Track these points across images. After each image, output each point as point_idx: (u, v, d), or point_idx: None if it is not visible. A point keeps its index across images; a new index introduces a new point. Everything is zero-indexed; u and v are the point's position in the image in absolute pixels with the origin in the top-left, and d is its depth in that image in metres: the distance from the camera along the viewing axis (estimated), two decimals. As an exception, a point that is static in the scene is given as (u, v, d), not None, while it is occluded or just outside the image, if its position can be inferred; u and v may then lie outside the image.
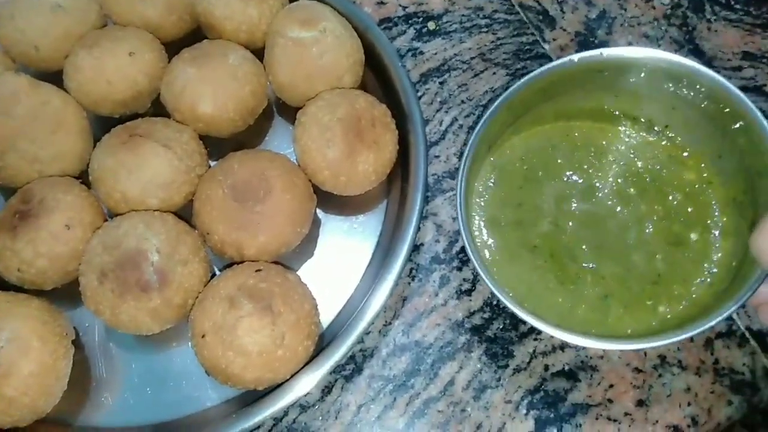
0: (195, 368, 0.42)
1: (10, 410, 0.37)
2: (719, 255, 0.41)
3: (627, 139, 0.45)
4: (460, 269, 0.48)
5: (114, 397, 0.43)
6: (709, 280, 0.40)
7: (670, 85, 0.41)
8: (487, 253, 0.42)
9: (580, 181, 0.44)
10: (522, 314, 0.37)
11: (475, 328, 0.45)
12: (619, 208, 0.43)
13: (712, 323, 0.35)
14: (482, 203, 0.44)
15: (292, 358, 0.39)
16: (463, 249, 0.48)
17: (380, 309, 0.42)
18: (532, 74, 0.41)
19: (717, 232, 0.41)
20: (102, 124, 0.47)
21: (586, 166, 0.44)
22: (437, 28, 0.57)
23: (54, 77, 0.47)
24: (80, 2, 0.50)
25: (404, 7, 0.58)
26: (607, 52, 0.40)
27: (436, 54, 0.55)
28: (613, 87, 0.43)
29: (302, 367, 0.40)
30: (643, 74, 0.41)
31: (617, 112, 0.45)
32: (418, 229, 0.44)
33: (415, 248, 0.48)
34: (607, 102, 0.44)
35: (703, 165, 0.43)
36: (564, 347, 0.45)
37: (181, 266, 0.40)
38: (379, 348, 0.45)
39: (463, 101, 0.53)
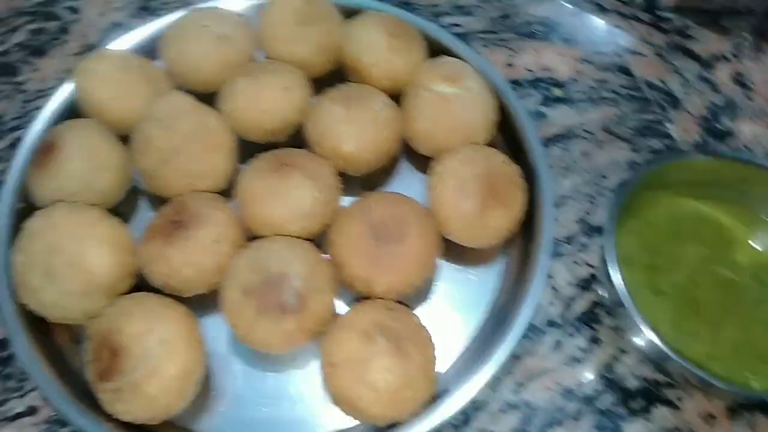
0: (310, 392, 0.44)
1: (148, 408, 0.39)
2: None
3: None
4: (572, 336, 0.48)
5: (230, 410, 0.44)
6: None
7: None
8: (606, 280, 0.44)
9: (726, 253, 0.46)
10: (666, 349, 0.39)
11: (586, 398, 0.45)
12: (757, 287, 0.45)
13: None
14: (620, 244, 0.46)
15: (417, 400, 0.40)
16: (577, 317, 0.48)
17: (500, 367, 0.42)
18: (689, 155, 0.46)
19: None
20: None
21: (732, 243, 0.47)
22: (563, 95, 0.59)
23: (204, 99, 0.51)
24: (241, 35, 0.54)
25: (531, 71, 0.60)
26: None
27: (560, 120, 0.57)
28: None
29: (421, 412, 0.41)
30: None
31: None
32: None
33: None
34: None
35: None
36: (676, 430, 0.44)
37: (317, 294, 0.42)
38: (489, 402, 0.45)
39: (585, 170, 0.55)
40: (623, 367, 0.46)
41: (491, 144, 0.52)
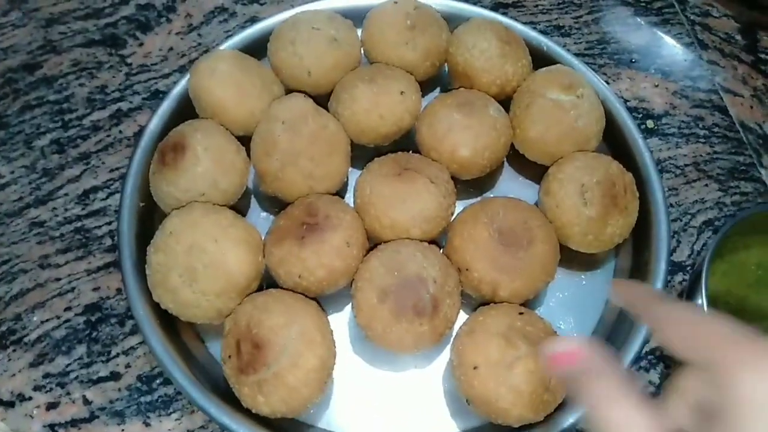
0: (427, 395, 0.45)
1: (289, 399, 0.40)
2: None
3: None
4: (647, 370, 0.48)
5: (353, 407, 0.45)
6: None
7: None
8: None
9: None
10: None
11: None
12: None
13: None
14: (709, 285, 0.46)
15: (553, 403, 0.41)
16: (652, 351, 0.49)
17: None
18: None
19: None
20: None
21: None
22: (656, 127, 0.59)
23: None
24: (351, 38, 0.55)
25: (626, 101, 0.60)
26: None
27: (650, 151, 0.56)
28: None
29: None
30: None
31: None
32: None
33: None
34: None
35: None
36: None
37: (449, 298, 0.43)
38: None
39: (671, 204, 0.55)
40: None
41: (598, 151, 0.52)
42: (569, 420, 0.42)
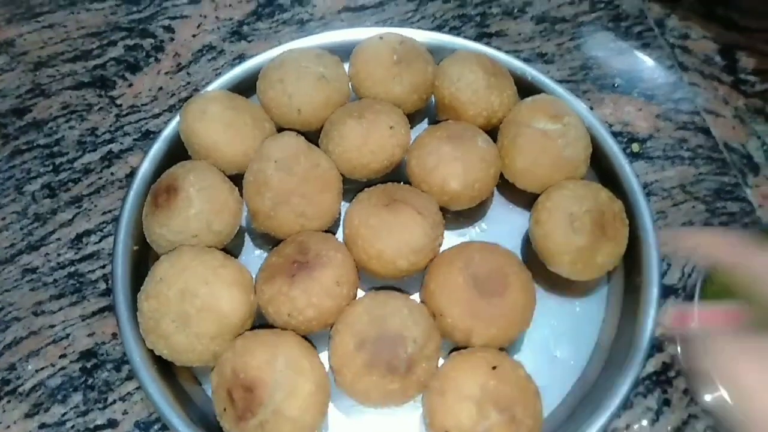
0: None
1: (295, 430, 0.40)
2: None
3: None
4: (645, 396, 0.48)
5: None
6: None
7: None
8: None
9: None
10: None
11: None
12: None
13: None
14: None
15: None
16: (649, 376, 0.49)
17: (617, 408, 0.43)
18: None
19: None
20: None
21: None
22: (641, 150, 0.60)
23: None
24: (339, 74, 0.56)
25: (611, 125, 0.61)
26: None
27: (637, 176, 0.56)
28: None
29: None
30: None
31: None
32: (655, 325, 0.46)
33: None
34: None
35: None
36: None
37: (425, 362, 0.42)
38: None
39: (659, 227, 0.55)
40: None
41: (585, 178, 0.53)
42: None
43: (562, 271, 0.49)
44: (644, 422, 0.47)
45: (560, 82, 0.63)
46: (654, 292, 0.47)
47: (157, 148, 0.54)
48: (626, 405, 0.47)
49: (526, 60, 0.64)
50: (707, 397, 0.43)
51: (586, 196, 0.48)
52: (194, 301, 0.42)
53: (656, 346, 0.49)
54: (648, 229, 0.50)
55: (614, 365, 0.46)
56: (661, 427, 0.47)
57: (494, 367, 0.41)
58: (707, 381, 0.42)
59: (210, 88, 0.57)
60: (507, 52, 0.61)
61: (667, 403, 0.47)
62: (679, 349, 0.47)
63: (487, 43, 0.64)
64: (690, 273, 0.53)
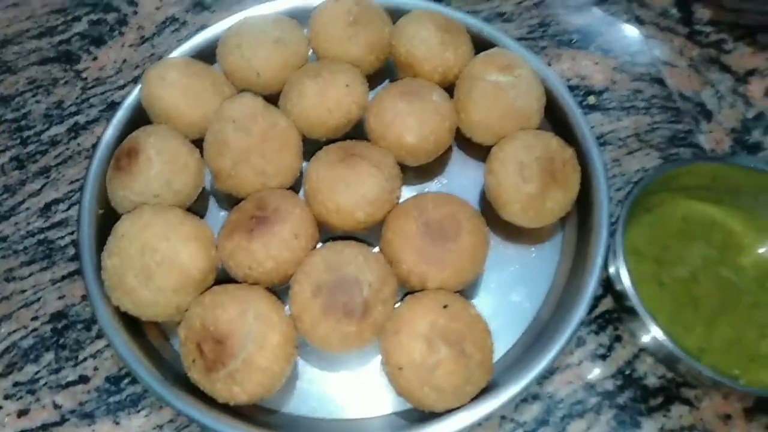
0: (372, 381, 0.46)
1: (263, 380, 0.41)
2: None
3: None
4: (597, 333, 0.50)
5: (315, 391, 0.47)
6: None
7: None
8: (613, 271, 0.46)
9: (732, 256, 0.49)
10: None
11: (607, 393, 0.47)
12: (758, 291, 0.47)
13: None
14: (631, 236, 0.49)
15: (476, 390, 0.43)
16: (602, 314, 0.50)
17: (564, 345, 0.45)
18: (699, 160, 0.49)
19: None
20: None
21: (740, 248, 0.49)
22: (597, 102, 0.61)
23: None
24: (296, 37, 0.57)
25: (568, 79, 0.62)
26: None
27: (593, 127, 0.58)
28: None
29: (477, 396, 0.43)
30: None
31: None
32: (605, 264, 0.47)
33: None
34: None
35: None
36: (692, 429, 0.46)
37: (381, 305, 0.44)
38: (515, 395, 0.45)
39: (614, 175, 0.57)
40: (644, 366, 0.48)
41: (541, 128, 0.54)
42: (494, 402, 0.43)
43: (515, 219, 0.50)
44: (597, 359, 0.49)
45: (519, 39, 0.64)
46: (603, 234, 0.49)
47: (120, 115, 0.55)
48: (579, 342, 0.49)
49: (486, 19, 0.65)
50: (644, 338, 0.45)
51: (537, 145, 0.50)
52: (155, 256, 0.44)
53: (606, 286, 0.50)
54: (600, 176, 0.51)
55: (565, 306, 0.47)
56: (613, 362, 0.48)
57: (445, 306, 0.43)
58: (641, 325, 0.43)
59: (171, 56, 0.57)
60: (466, 12, 0.62)
61: (618, 339, 0.49)
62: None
63: (447, 5, 0.65)
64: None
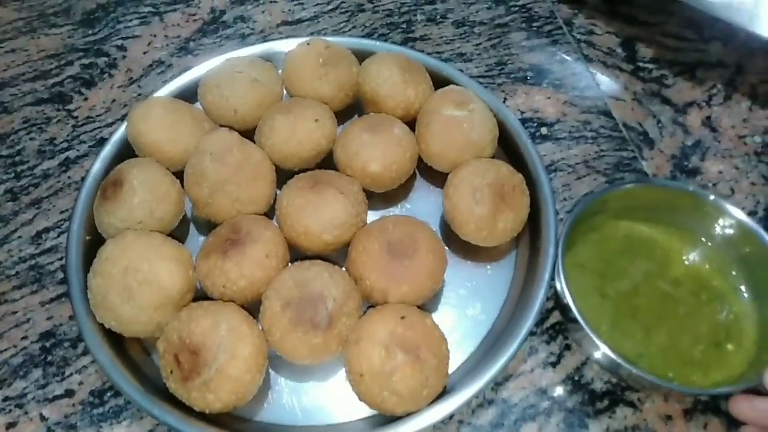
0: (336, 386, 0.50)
1: (236, 389, 0.45)
2: (743, 370, 0.48)
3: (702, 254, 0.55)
4: (548, 343, 0.53)
5: (276, 398, 0.50)
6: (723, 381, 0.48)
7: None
8: (558, 286, 0.50)
9: (668, 270, 0.54)
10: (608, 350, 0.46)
11: (557, 397, 0.50)
12: (692, 302, 0.52)
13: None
14: (576, 252, 0.54)
15: (434, 394, 0.46)
16: (552, 326, 0.54)
17: (509, 359, 0.48)
18: (634, 183, 0.55)
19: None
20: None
21: (677, 264, 0.54)
22: (549, 133, 0.66)
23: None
24: (271, 77, 0.62)
25: (522, 112, 0.68)
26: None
27: (545, 155, 0.64)
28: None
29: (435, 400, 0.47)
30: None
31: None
32: (552, 278, 0.52)
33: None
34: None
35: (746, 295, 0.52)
36: (635, 429, 0.49)
37: (346, 318, 0.48)
38: (470, 398, 0.48)
39: (565, 199, 0.62)
40: (591, 372, 0.52)
41: (495, 157, 0.59)
42: (449, 405, 0.47)
43: (470, 238, 0.55)
44: (548, 366, 0.52)
45: (478, 77, 0.70)
46: (550, 251, 0.53)
47: (107, 150, 0.60)
48: (532, 351, 0.53)
49: (447, 60, 0.71)
50: (596, 354, 0.49)
51: (488, 171, 0.55)
52: (136, 276, 0.48)
53: (555, 300, 0.55)
54: (548, 199, 0.56)
55: (517, 318, 0.51)
56: (562, 369, 0.52)
57: (402, 317, 0.47)
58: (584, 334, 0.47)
59: (156, 95, 0.62)
60: (430, 53, 0.68)
61: (568, 347, 0.53)
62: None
63: (413, 47, 0.72)
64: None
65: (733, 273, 0.53)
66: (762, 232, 0.51)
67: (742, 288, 0.52)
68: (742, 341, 0.50)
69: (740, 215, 0.52)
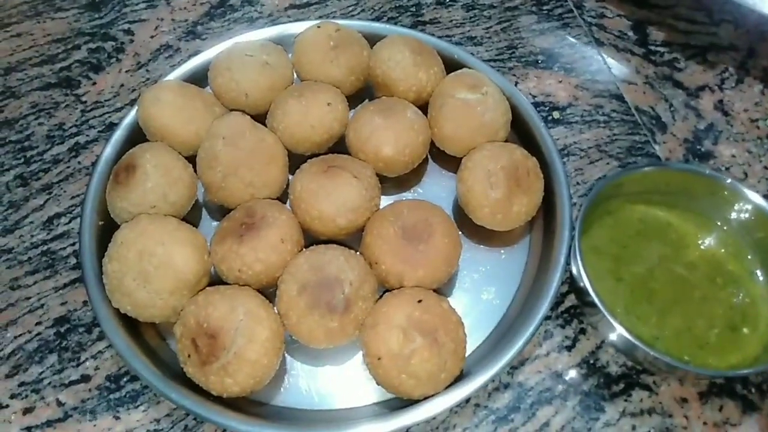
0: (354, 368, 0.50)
1: (253, 372, 0.45)
2: (758, 353, 0.48)
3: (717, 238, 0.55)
4: (563, 327, 0.54)
5: (292, 382, 0.51)
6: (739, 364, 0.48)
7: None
8: (575, 269, 0.50)
9: (683, 254, 0.54)
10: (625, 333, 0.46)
11: (572, 381, 0.51)
12: (707, 285, 0.52)
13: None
14: (591, 236, 0.54)
15: (450, 378, 0.46)
16: (567, 310, 0.55)
17: (525, 343, 0.48)
18: (650, 166, 0.54)
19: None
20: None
21: (693, 247, 0.54)
22: (561, 117, 0.66)
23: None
24: (282, 61, 0.61)
25: (534, 96, 0.68)
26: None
27: (558, 140, 0.63)
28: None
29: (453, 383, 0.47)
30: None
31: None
32: (567, 262, 0.52)
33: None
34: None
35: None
36: (651, 412, 0.50)
37: (362, 301, 0.48)
38: (486, 381, 0.48)
39: (578, 183, 0.62)
40: (606, 356, 0.52)
41: (508, 141, 0.59)
42: (466, 388, 0.47)
43: (485, 222, 0.55)
44: (563, 350, 0.53)
45: (488, 60, 0.69)
46: (565, 235, 0.53)
47: (118, 134, 0.59)
48: (547, 335, 0.53)
49: (457, 43, 0.71)
50: (612, 336, 0.49)
51: (502, 155, 0.54)
52: (152, 260, 0.47)
53: (570, 283, 0.55)
54: (561, 183, 0.56)
55: (532, 302, 0.51)
56: (578, 353, 0.52)
57: (419, 301, 0.47)
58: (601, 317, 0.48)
59: (166, 79, 0.62)
60: (440, 37, 0.67)
61: (583, 331, 0.53)
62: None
63: (422, 30, 0.71)
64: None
65: (749, 257, 0.53)
66: None
67: (758, 272, 0.52)
68: (757, 324, 0.50)
69: (757, 199, 0.52)
